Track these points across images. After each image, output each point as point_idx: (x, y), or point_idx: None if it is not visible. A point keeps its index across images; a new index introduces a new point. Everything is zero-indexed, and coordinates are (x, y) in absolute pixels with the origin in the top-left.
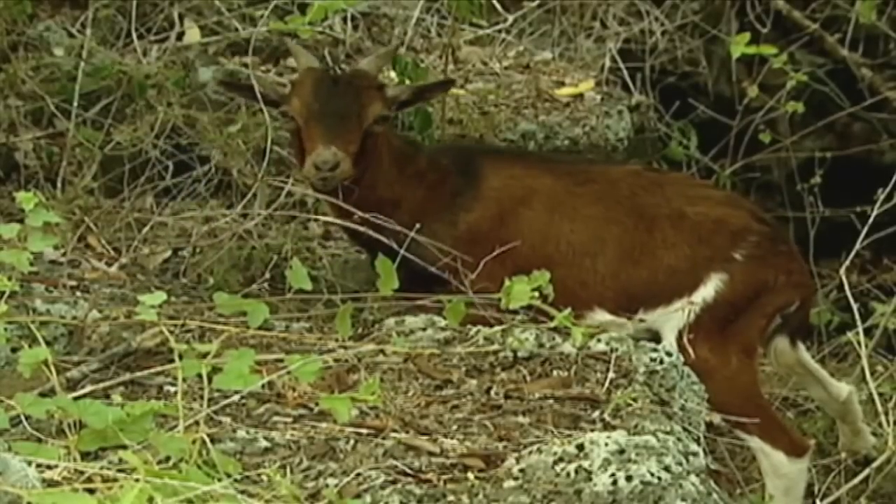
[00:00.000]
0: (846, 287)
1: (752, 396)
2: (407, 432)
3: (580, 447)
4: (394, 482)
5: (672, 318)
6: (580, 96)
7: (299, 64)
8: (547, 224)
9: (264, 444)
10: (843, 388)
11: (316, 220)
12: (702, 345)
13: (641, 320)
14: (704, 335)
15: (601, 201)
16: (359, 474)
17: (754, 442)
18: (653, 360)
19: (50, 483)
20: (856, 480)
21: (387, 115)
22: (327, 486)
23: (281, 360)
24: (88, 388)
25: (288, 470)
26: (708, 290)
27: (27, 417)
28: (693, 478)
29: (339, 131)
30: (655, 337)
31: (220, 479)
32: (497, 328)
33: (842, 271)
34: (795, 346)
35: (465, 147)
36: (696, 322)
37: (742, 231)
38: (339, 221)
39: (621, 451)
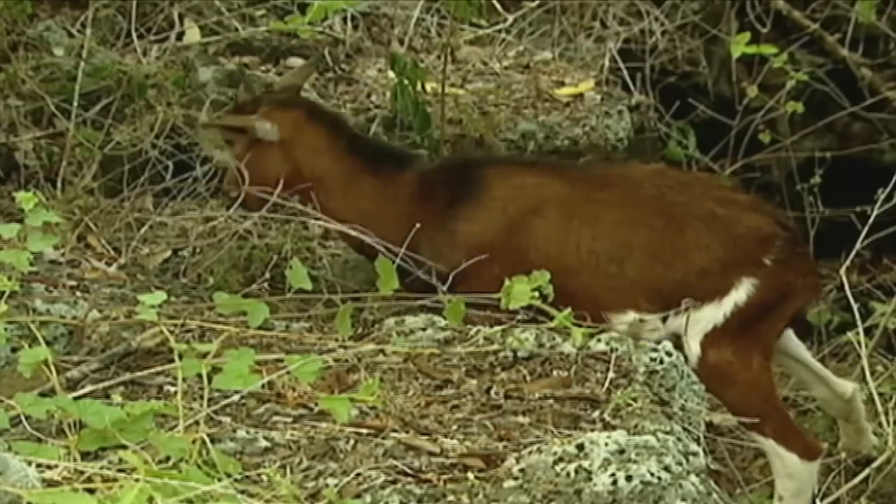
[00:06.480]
0: (846, 287)
1: (770, 399)
2: (407, 432)
3: (580, 447)
4: (394, 482)
5: (698, 322)
6: (580, 96)
7: None
8: (564, 233)
9: (264, 444)
10: (847, 386)
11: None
12: (726, 348)
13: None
14: (730, 339)
15: (624, 205)
16: (359, 474)
17: (769, 444)
18: (653, 360)
19: (50, 483)
20: (856, 480)
21: None
22: (327, 486)
23: (281, 360)
24: (88, 388)
25: (288, 470)
26: (740, 295)
27: (27, 417)
28: (693, 478)
29: None
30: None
31: (220, 479)
32: (497, 328)
33: (842, 271)
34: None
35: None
36: (725, 327)
37: (770, 237)
38: (337, 226)
39: (621, 451)
